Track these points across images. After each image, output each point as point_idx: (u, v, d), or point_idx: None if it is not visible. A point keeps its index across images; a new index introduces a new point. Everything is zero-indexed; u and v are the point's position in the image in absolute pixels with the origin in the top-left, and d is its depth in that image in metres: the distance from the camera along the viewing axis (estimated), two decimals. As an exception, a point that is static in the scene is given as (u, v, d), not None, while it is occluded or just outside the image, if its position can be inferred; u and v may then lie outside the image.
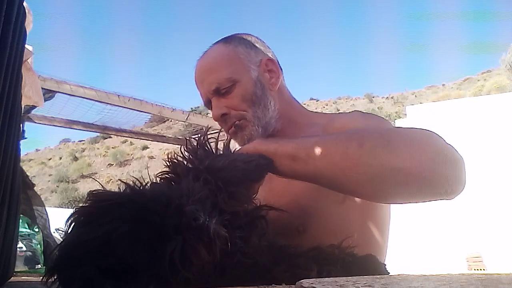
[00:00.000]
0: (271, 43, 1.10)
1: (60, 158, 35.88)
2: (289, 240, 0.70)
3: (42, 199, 2.17)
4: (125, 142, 34.13)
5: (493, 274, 0.47)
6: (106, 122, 6.06)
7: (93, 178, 27.08)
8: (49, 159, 36.58)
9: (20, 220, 1.84)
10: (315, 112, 1.14)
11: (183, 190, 0.57)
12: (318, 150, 0.72)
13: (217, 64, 1.00)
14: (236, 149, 0.82)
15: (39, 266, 2.83)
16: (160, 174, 0.71)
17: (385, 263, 0.77)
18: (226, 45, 1.02)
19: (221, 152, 0.75)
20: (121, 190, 0.60)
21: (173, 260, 0.49)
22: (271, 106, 1.00)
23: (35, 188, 2.07)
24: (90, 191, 0.58)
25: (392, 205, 0.96)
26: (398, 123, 8.08)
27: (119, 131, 6.54)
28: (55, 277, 0.52)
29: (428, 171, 0.67)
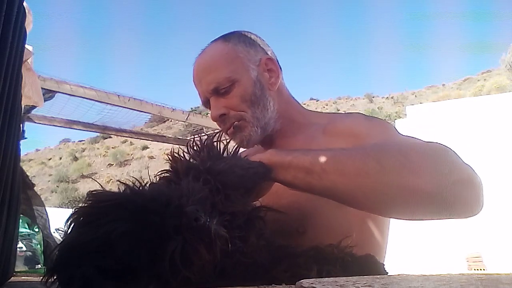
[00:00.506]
0: (271, 43, 1.09)
1: (60, 158, 35.88)
2: (289, 241, 0.70)
3: (42, 199, 2.17)
4: (125, 142, 34.13)
5: (493, 274, 0.47)
6: (106, 122, 6.06)
7: (93, 179, 27.05)
8: (49, 159, 36.58)
9: (20, 220, 1.84)
10: (315, 111, 1.14)
11: (183, 190, 0.57)
12: (334, 165, 0.70)
13: (216, 63, 0.98)
14: (243, 152, 0.81)
15: (39, 266, 2.83)
16: (160, 173, 0.71)
17: (384, 263, 0.77)
18: (225, 43, 1.01)
19: (225, 155, 0.74)
20: (121, 191, 0.60)
21: (174, 260, 0.49)
22: (271, 106, 1.00)
23: (35, 188, 2.06)
24: (89, 191, 0.58)
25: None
26: (398, 123, 8.08)
27: (119, 131, 6.54)
28: (54, 277, 0.52)
29: (448, 192, 0.66)
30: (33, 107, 3.99)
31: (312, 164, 0.71)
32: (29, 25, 1.37)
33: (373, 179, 0.68)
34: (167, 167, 0.72)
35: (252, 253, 0.59)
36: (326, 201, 0.85)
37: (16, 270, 1.33)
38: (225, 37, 1.03)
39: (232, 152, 0.75)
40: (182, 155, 0.72)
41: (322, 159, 0.72)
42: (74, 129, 6.06)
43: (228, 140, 0.78)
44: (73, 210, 0.57)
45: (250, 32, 1.07)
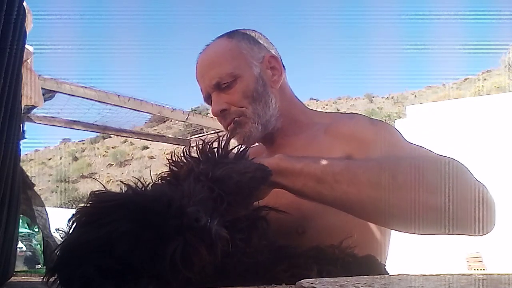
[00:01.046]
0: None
1: (60, 158, 35.88)
2: (288, 242, 0.69)
3: (42, 199, 2.16)
4: (125, 142, 34.13)
5: (493, 274, 0.47)
6: (106, 122, 6.07)
7: (95, 178, 27.06)
8: (49, 159, 36.58)
9: (20, 220, 1.84)
10: (317, 111, 1.13)
11: (185, 191, 0.57)
12: (347, 176, 0.70)
13: (219, 59, 0.98)
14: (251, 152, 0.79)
15: (39, 266, 2.83)
16: (162, 173, 0.71)
17: (385, 263, 0.77)
18: (229, 40, 1.01)
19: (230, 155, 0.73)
20: (123, 191, 0.60)
21: (174, 260, 0.49)
22: (272, 103, 0.99)
23: (35, 188, 2.06)
24: (92, 191, 0.58)
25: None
26: (398, 123, 8.08)
27: (119, 131, 6.55)
28: (55, 277, 0.52)
29: (461, 211, 0.67)
30: (33, 107, 4.00)
31: (324, 173, 0.71)
32: (29, 25, 1.37)
33: (386, 193, 0.68)
34: (167, 168, 0.72)
35: (254, 253, 0.59)
36: None
37: (16, 270, 1.33)
38: (229, 34, 1.03)
39: (236, 154, 0.74)
40: (183, 160, 0.71)
41: (335, 168, 0.71)
42: (74, 129, 6.07)
43: (228, 142, 0.76)
44: (76, 210, 0.57)
45: (254, 31, 1.07)
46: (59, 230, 0.58)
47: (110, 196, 0.57)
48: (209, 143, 0.73)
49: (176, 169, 0.70)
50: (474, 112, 6.81)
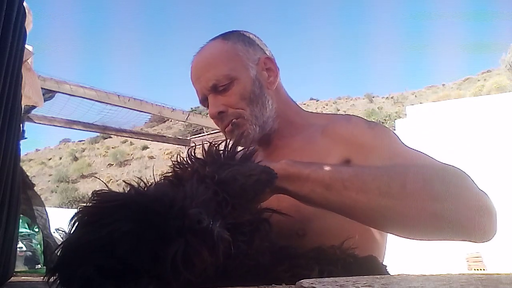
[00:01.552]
0: (271, 43, 1.09)
1: (60, 158, 35.87)
2: (289, 244, 0.70)
3: (42, 199, 2.16)
4: (125, 142, 34.11)
5: (493, 274, 0.47)
6: (106, 122, 6.08)
7: (96, 177, 27.00)
8: (49, 159, 36.57)
9: (20, 220, 1.84)
10: (313, 112, 1.13)
11: (187, 192, 0.57)
12: (356, 183, 0.70)
13: (215, 60, 0.98)
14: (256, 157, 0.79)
15: (39, 266, 2.82)
16: (164, 174, 0.70)
17: (385, 263, 0.77)
18: (224, 41, 1.01)
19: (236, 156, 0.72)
20: (125, 191, 0.59)
21: (176, 262, 0.49)
22: (269, 105, 0.99)
23: (35, 188, 2.06)
24: (94, 190, 0.58)
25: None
26: (398, 123, 8.08)
27: (119, 131, 6.55)
28: (56, 277, 0.52)
29: (465, 219, 0.69)
30: (33, 107, 4.00)
31: (333, 179, 0.71)
32: (29, 25, 1.37)
33: (395, 202, 0.69)
34: (167, 167, 0.71)
35: (256, 255, 0.59)
36: None
37: (16, 270, 1.33)
38: (224, 36, 1.03)
39: (241, 156, 0.73)
40: (187, 161, 0.71)
41: (344, 175, 0.71)
42: (74, 129, 6.07)
43: (237, 144, 0.76)
44: (77, 209, 0.57)
45: (248, 32, 1.07)
46: (59, 230, 0.58)
47: (112, 196, 0.57)
48: (215, 145, 0.73)
49: (180, 170, 0.69)
50: (474, 112, 6.81)
